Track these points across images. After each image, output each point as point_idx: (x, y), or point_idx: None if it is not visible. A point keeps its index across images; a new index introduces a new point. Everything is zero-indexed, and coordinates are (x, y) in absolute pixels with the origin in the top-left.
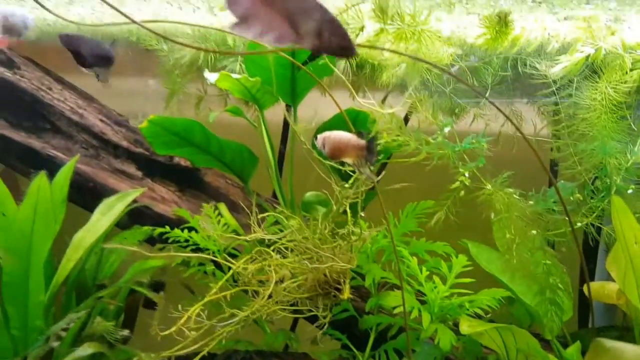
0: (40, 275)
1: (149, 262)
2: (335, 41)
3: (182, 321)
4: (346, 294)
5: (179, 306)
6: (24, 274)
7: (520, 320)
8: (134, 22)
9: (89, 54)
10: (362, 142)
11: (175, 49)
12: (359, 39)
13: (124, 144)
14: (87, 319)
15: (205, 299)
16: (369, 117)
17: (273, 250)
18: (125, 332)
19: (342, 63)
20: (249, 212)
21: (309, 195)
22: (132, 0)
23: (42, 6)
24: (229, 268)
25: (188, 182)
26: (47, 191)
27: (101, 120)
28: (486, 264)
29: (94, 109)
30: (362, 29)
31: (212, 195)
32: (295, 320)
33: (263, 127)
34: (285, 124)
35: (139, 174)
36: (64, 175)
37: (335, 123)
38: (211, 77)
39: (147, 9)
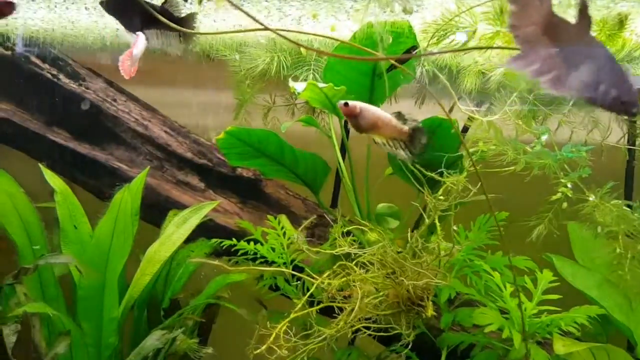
0: (115, 291)
1: (230, 277)
2: (613, 94)
3: (271, 339)
4: (430, 311)
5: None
6: (99, 289)
7: (610, 338)
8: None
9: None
10: (405, 128)
11: (245, 59)
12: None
13: (188, 155)
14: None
15: (291, 316)
16: (452, 126)
17: (356, 265)
18: (209, 351)
19: (418, 68)
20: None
21: (381, 207)
22: (210, 10)
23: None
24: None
25: (249, 193)
26: (127, 205)
27: (165, 132)
28: (572, 279)
29: (158, 120)
30: (474, 32)
31: (273, 207)
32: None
33: (335, 136)
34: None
35: (202, 185)
36: (135, 188)
37: None
38: (298, 86)
39: (231, 18)
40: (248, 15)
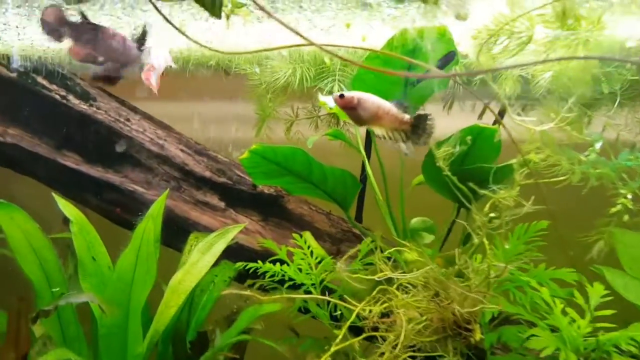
0: (139, 325)
1: (263, 308)
2: None
3: None
4: (478, 334)
5: None
6: (122, 325)
7: None
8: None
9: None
10: (406, 117)
11: (266, 72)
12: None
13: (207, 174)
14: None
15: (333, 349)
16: (495, 134)
17: (397, 288)
18: None
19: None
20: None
21: (415, 221)
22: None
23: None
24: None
25: (271, 210)
26: (150, 233)
27: (182, 151)
28: (624, 291)
29: (174, 138)
30: (530, 38)
31: (296, 223)
32: None
33: (361, 149)
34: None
35: (222, 204)
36: (156, 213)
37: (458, 140)
38: (329, 100)
39: (254, 32)
40: (289, 28)
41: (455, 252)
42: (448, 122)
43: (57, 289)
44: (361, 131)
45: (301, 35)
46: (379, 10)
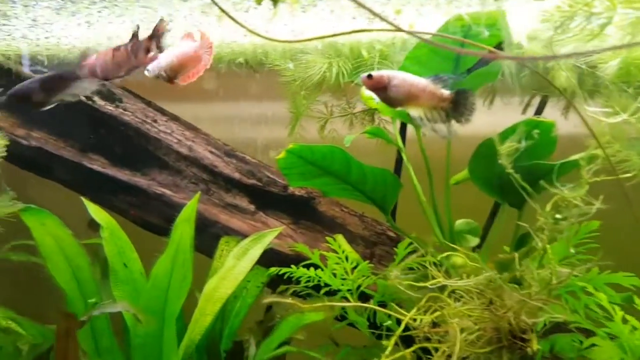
0: (174, 335)
1: (305, 317)
2: None
3: None
4: (535, 344)
5: None
6: (157, 334)
7: None
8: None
9: None
10: (445, 92)
11: (300, 67)
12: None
13: (236, 176)
14: None
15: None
16: (552, 128)
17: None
18: None
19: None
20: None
21: (460, 223)
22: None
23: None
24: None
25: (302, 212)
26: (187, 240)
27: (210, 152)
28: None
29: (202, 139)
30: (611, 19)
31: (328, 226)
32: None
33: (402, 147)
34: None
35: (252, 207)
36: (190, 216)
37: (510, 135)
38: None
39: (299, 21)
40: (366, 8)
41: (508, 257)
42: (488, 118)
43: (93, 300)
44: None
45: (373, 12)
46: None
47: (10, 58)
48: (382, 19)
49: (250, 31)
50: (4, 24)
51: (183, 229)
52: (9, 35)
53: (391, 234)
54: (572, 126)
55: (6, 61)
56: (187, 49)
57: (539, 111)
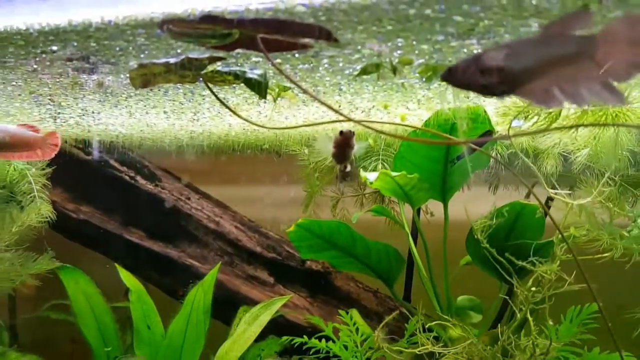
0: None
1: None
2: None
3: None
4: None
5: None
6: None
7: None
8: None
9: None
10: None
11: (314, 152)
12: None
13: (258, 249)
14: None
15: None
16: (536, 211)
17: None
18: None
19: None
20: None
21: (462, 299)
22: (282, 108)
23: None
24: None
25: (319, 286)
26: (200, 301)
27: (236, 227)
28: None
29: (229, 216)
30: (559, 113)
31: (343, 301)
32: None
33: (407, 225)
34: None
35: (271, 280)
36: (208, 284)
37: (495, 213)
38: (370, 176)
39: (300, 114)
40: (331, 108)
41: (497, 330)
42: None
43: (110, 348)
44: (405, 208)
45: (344, 116)
46: (413, 91)
47: (67, 142)
48: (341, 115)
49: (242, 117)
50: (59, 112)
51: (197, 292)
52: (65, 122)
53: (404, 310)
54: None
55: (63, 144)
56: (25, 134)
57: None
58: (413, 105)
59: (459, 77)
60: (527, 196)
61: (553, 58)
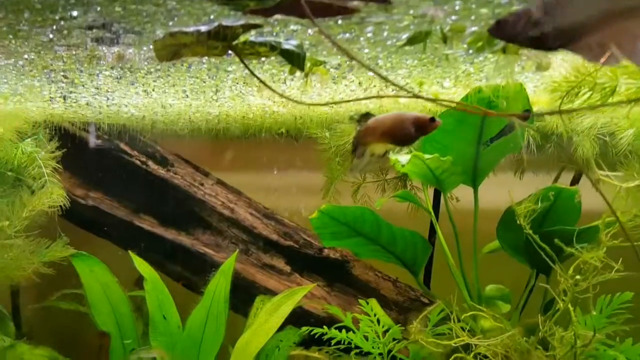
0: None
1: None
2: None
3: None
4: None
5: None
6: None
7: None
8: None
9: None
10: None
11: (335, 136)
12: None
13: (274, 237)
14: None
15: None
16: (574, 195)
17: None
18: None
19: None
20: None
21: (490, 289)
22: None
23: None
24: None
25: (337, 275)
26: (222, 290)
27: (251, 214)
28: None
29: (244, 202)
30: (614, 89)
31: (362, 290)
32: None
33: (431, 212)
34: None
35: (288, 268)
36: (227, 269)
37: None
38: (402, 159)
39: (326, 94)
40: (383, 77)
41: (536, 321)
42: (522, 190)
43: (129, 341)
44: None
45: (393, 83)
46: (455, 65)
47: (75, 124)
48: (400, 88)
49: (282, 95)
50: (71, 91)
51: (219, 280)
52: (75, 102)
53: (425, 300)
54: None
55: (71, 127)
56: None
57: (574, 182)
58: (448, 84)
59: (509, 30)
60: (556, 180)
61: (612, 11)
